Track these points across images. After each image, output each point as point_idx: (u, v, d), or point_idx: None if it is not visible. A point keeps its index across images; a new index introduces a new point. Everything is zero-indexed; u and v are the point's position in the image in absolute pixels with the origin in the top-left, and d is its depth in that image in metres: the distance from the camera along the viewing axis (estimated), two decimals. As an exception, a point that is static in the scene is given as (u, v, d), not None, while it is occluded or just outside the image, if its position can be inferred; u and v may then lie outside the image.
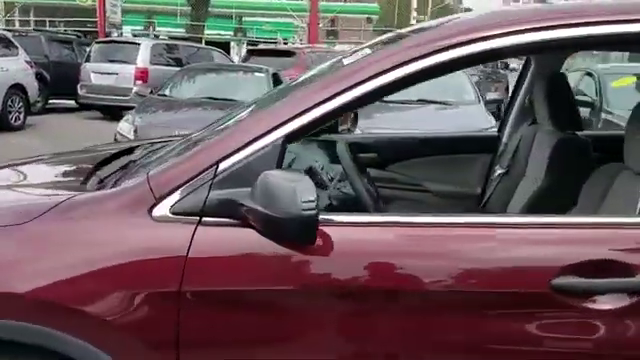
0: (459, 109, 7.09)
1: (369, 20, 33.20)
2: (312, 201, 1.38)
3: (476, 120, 6.49)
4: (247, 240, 1.50)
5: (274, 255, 1.49)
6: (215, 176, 1.53)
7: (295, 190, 1.38)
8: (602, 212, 1.95)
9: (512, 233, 1.55)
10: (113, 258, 1.50)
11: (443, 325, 1.50)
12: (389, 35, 2.22)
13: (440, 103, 7.18)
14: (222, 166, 1.54)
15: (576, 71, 8.83)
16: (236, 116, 2.02)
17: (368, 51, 1.94)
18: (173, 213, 1.53)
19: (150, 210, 1.53)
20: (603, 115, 7.06)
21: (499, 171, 2.91)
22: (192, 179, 1.54)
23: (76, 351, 1.49)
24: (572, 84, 3.67)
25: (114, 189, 1.65)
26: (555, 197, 2.49)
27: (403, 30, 2.11)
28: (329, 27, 25.92)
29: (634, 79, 7.35)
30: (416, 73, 1.58)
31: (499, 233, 1.54)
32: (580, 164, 2.44)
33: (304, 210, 1.37)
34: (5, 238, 1.54)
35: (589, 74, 8.05)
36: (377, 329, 1.53)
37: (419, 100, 7.05)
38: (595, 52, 12.36)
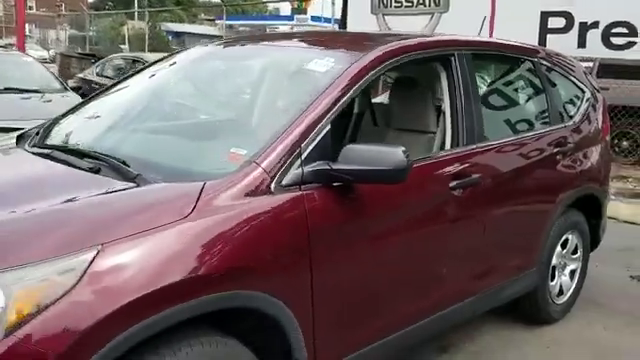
0: (45, 97, 7.36)
1: None
2: (408, 153, 2.16)
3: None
4: (341, 190, 2.22)
5: (365, 194, 2.30)
6: (301, 154, 2.15)
7: (396, 150, 2.15)
8: None
9: None
10: (265, 228, 2.02)
11: None
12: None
13: (26, 92, 7.34)
14: (304, 146, 2.16)
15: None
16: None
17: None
18: (284, 186, 2.09)
19: (268, 187, 2.06)
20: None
21: None
22: (288, 159, 2.12)
23: (267, 305, 2.01)
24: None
25: (230, 175, 2.04)
26: None
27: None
28: None
29: None
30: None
31: None
32: None
33: (407, 160, 2.15)
34: (183, 232, 1.86)
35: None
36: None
37: (6, 89, 7.22)
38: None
